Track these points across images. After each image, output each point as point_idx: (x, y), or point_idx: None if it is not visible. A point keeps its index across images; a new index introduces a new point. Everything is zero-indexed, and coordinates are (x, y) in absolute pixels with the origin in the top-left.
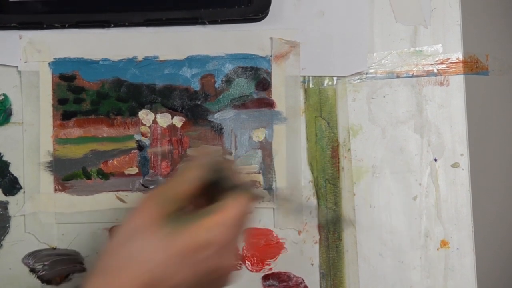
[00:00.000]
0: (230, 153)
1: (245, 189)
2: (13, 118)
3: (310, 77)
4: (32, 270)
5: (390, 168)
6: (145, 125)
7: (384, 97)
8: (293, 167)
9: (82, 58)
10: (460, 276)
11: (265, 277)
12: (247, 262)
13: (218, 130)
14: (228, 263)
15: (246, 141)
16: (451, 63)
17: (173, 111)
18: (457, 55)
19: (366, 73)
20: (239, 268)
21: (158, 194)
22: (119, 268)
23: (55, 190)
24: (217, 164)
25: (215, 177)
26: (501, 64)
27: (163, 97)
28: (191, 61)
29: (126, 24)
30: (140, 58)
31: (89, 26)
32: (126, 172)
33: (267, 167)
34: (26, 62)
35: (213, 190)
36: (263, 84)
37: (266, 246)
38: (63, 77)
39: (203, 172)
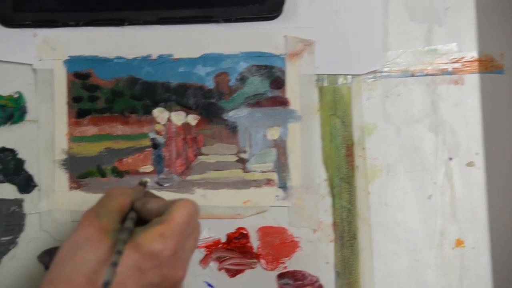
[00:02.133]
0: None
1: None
2: (28, 116)
3: (325, 76)
4: (48, 268)
5: (405, 167)
6: (159, 123)
7: (399, 95)
8: (307, 165)
9: (97, 56)
10: (476, 275)
11: (280, 276)
12: (262, 260)
13: (233, 129)
14: (175, 274)
15: (261, 140)
16: (466, 61)
17: (188, 109)
18: (472, 53)
19: (381, 72)
20: (254, 266)
21: (95, 209)
22: (67, 279)
23: (70, 188)
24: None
25: (139, 202)
26: None
27: (178, 95)
28: (206, 59)
29: (141, 22)
30: (154, 56)
31: (103, 24)
32: (141, 170)
33: (281, 166)
34: (40, 60)
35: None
36: (278, 82)
37: (281, 245)
38: (77, 75)
39: (125, 190)
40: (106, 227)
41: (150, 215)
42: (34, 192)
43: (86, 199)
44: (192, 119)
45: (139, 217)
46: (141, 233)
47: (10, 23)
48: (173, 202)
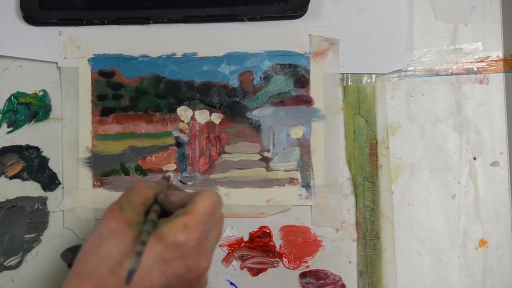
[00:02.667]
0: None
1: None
2: (52, 114)
3: (349, 75)
4: (71, 265)
5: (428, 166)
6: (183, 121)
7: (423, 95)
8: (331, 164)
9: (121, 54)
10: (499, 275)
11: (302, 275)
12: (284, 259)
13: (256, 127)
14: (199, 264)
15: (284, 138)
16: (491, 61)
17: (212, 107)
18: (497, 53)
19: (405, 71)
20: (276, 265)
21: (119, 202)
22: (92, 272)
23: (94, 186)
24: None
25: (162, 195)
26: None
27: (202, 94)
28: (230, 58)
29: (165, 20)
30: (179, 55)
31: (128, 23)
32: (164, 168)
33: (305, 165)
34: (65, 58)
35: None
36: (302, 81)
37: (303, 244)
38: (102, 73)
39: (149, 184)
40: (130, 220)
41: (173, 207)
42: (58, 190)
43: (109, 197)
44: (216, 118)
45: (162, 210)
46: (164, 224)
47: (36, 21)
48: (196, 194)
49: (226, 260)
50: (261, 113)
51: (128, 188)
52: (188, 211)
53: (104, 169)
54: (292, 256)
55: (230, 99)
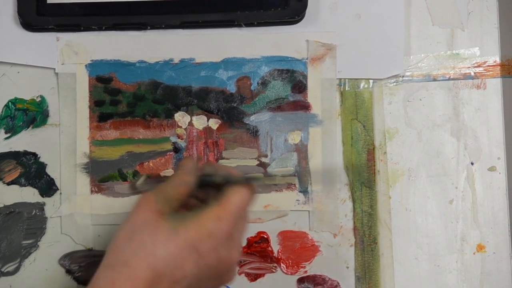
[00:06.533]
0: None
1: (243, 180)
2: (50, 120)
3: (346, 80)
4: (68, 271)
5: (426, 171)
6: (181, 127)
7: (421, 100)
8: (328, 170)
9: (119, 60)
10: (497, 280)
11: (300, 280)
12: (282, 264)
13: (254, 133)
14: (231, 256)
15: (282, 144)
16: (488, 66)
17: (209, 113)
18: (495, 58)
19: (403, 76)
20: (274, 270)
21: (155, 194)
22: (125, 263)
23: (91, 191)
24: (204, 168)
25: (206, 180)
26: None
27: (199, 99)
28: (227, 63)
29: (163, 26)
30: (176, 60)
31: (126, 29)
32: (162, 174)
33: (302, 170)
34: (63, 64)
35: (205, 191)
36: (299, 86)
37: (301, 249)
38: (99, 79)
39: (192, 178)
40: (164, 212)
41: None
42: (56, 196)
43: (107, 203)
44: (214, 123)
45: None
46: (199, 213)
47: (33, 27)
48: (231, 187)
49: None
50: (259, 119)
51: (169, 180)
52: (222, 202)
53: (102, 174)
54: (290, 261)
55: (227, 104)
